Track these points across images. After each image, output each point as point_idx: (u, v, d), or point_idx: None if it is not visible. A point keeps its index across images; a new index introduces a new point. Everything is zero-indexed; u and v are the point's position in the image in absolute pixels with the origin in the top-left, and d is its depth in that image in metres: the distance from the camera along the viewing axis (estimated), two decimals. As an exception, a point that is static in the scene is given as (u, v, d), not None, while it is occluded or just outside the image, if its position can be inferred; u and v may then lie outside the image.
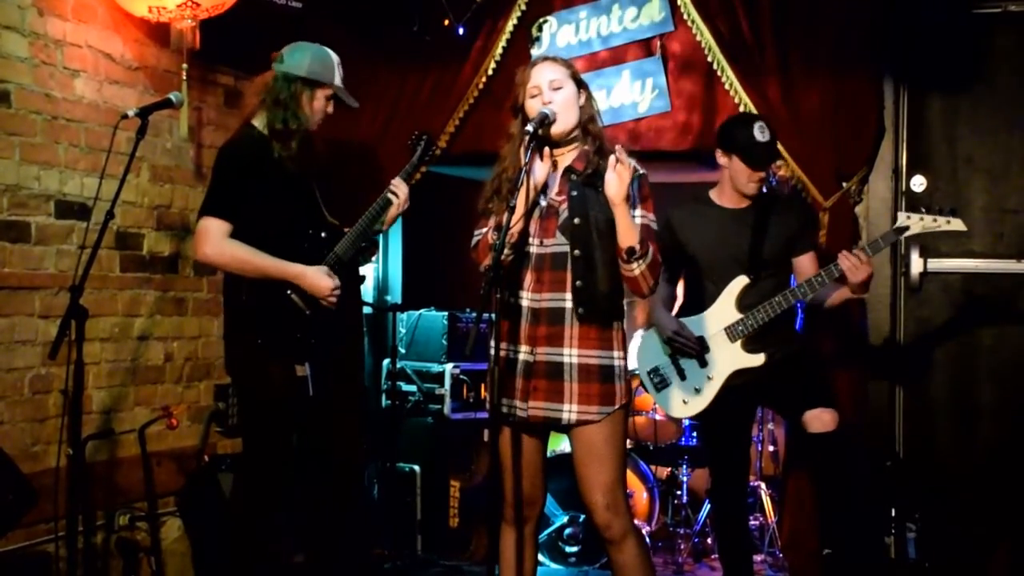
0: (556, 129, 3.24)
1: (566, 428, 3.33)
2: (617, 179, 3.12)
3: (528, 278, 3.29)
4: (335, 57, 3.98)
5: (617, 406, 3.29)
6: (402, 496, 5.50)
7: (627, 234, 3.17)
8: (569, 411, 3.25)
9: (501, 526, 3.41)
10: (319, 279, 3.84)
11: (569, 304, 3.25)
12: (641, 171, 3.31)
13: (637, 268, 3.18)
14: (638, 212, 3.26)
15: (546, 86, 3.26)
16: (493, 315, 3.14)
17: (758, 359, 3.95)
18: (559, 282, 3.26)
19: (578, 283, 3.24)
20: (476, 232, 3.39)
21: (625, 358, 3.35)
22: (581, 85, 3.35)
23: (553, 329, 3.26)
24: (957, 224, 3.87)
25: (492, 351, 3.15)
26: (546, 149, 3.25)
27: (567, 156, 3.34)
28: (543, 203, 3.30)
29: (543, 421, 3.30)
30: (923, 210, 3.87)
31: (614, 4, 4.91)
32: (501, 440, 3.35)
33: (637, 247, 3.15)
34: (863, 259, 3.79)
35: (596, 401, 3.26)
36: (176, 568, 4.58)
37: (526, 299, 3.28)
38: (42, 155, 4.17)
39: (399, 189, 4.10)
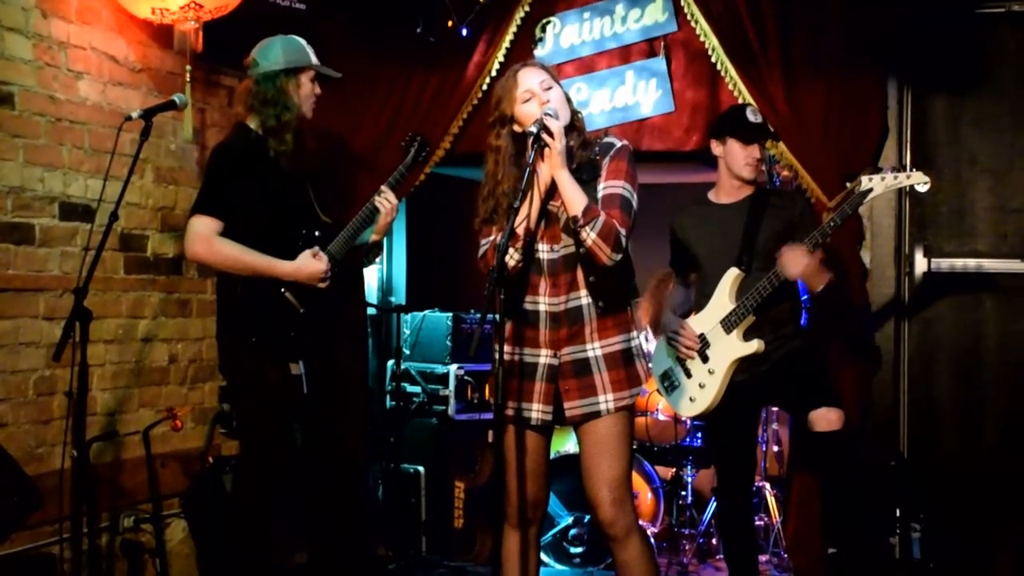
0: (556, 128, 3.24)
1: (573, 423, 3.35)
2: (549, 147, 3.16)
3: (544, 284, 3.32)
4: (302, 40, 4.03)
5: (644, 385, 3.37)
6: (406, 497, 5.50)
7: (568, 203, 3.19)
8: (606, 400, 3.29)
9: (504, 529, 3.42)
10: (310, 266, 3.86)
11: (585, 300, 3.30)
12: (619, 143, 3.34)
13: (587, 236, 3.16)
14: (604, 183, 3.27)
15: (538, 88, 3.28)
16: (497, 316, 3.14)
17: (753, 346, 3.94)
18: (573, 282, 3.31)
19: (591, 278, 3.28)
20: (483, 241, 3.40)
21: (639, 336, 3.42)
22: (560, 85, 3.38)
23: (574, 328, 3.31)
24: (918, 177, 3.83)
25: (496, 353, 3.15)
26: (547, 150, 3.25)
27: None
28: (547, 207, 3.31)
29: (582, 419, 3.33)
30: (883, 169, 3.84)
31: (617, 4, 4.91)
32: (506, 443, 3.36)
33: (580, 216, 3.15)
34: (801, 251, 3.78)
35: (627, 385, 3.32)
36: (181, 569, 4.59)
37: (544, 304, 3.32)
38: (46, 157, 4.17)
39: (387, 196, 4.08)
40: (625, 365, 3.32)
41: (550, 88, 3.29)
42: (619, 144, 3.35)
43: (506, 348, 3.30)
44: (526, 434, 3.37)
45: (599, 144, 3.35)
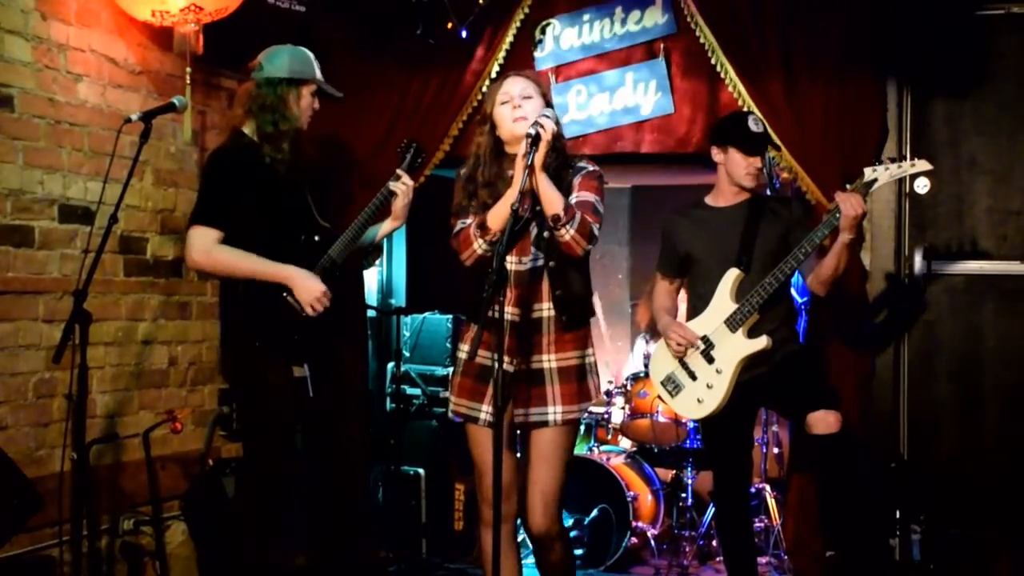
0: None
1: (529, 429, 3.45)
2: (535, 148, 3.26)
3: (510, 295, 3.39)
4: (310, 53, 4.04)
5: (594, 400, 3.50)
6: (407, 499, 5.50)
7: (550, 203, 3.28)
8: (555, 412, 3.40)
9: (480, 528, 3.53)
10: (308, 282, 3.85)
11: (546, 313, 3.41)
12: (590, 168, 3.48)
13: (566, 233, 3.27)
14: (575, 194, 3.39)
15: (517, 94, 3.42)
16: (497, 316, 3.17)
17: (761, 342, 3.95)
18: (536, 294, 3.41)
19: (558, 292, 3.40)
20: (460, 223, 3.50)
21: (594, 354, 3.52)
22: (548, 104, 3.50)
23: (532, 339, 3.41)
24: (923, 164, 3.88)
25: (496, 357, 3.16)
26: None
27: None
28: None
29: (530, 425, 3.43)
30: (887, 160, 3.89)
31: (617, 7, 4.91)
32: (471, 444, 3.49)
33: (562, 214, 3.26)
34: (858, 196, 3.81)
35: (577, 399, 3.43)
36: (181, 572, 4.58)
37: (508, 314, 3.38)
38: (46, 159, 4.17)
39: (404, 180, 4.12)
40: (578, 380, 3.44)
41: (529, 98, 3.42)
42: (591, 168, 3.50)
43: (466, 349, 3.50)
44: (481, 432, 3.44)
45: (573, 168, 3.48)
